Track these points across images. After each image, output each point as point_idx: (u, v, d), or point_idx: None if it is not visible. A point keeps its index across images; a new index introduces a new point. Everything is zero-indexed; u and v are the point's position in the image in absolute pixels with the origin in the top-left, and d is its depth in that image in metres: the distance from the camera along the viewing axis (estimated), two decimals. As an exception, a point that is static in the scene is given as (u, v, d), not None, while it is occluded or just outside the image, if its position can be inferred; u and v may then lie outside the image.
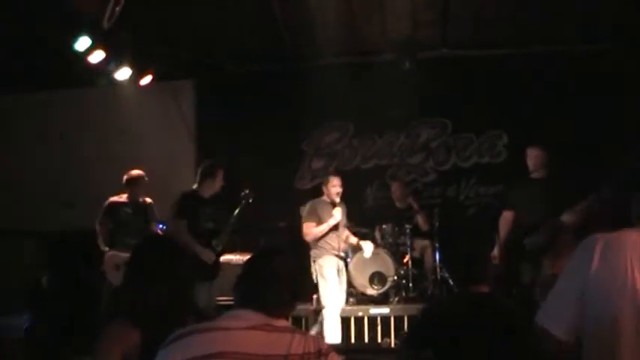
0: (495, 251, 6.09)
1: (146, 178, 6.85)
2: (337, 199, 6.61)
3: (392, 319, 6.67)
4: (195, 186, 6.21)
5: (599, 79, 7.42)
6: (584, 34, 7.48)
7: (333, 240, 6.59)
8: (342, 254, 6.69)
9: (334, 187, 6.61)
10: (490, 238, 6.13)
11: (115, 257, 6.36)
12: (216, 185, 6.18)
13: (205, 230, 6.04)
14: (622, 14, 6.92)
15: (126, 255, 6.20)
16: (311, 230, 6.58)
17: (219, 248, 6.09)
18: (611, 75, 7.30)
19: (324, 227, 6.54)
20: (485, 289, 3.17)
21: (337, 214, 6.52)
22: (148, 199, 6.87)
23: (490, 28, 7.57)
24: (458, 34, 7.82)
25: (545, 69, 7.71)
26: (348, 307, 6.82)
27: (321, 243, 6.58)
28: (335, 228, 6.58)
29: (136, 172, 6.83)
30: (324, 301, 6.45)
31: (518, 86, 7.79)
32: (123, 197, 6.81)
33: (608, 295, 2.02)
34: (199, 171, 6.27)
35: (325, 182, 6.77)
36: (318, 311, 6.64)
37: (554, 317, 2.14)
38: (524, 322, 2.39)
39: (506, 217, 6.21)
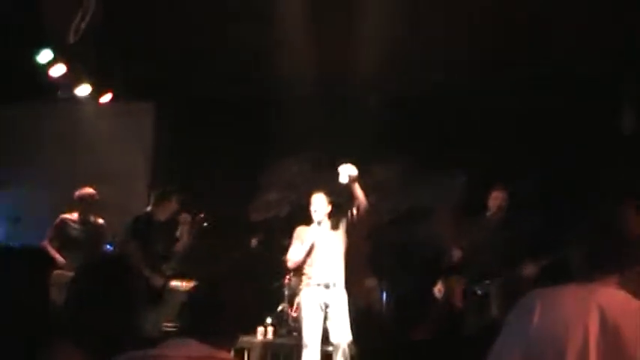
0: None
1: (97, 197, 6.70)
2: (319, 219, 5.97)
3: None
4: (149, 209, 6.14)
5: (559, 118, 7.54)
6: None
7: (314, 267, 5.94)
8: (330, 283, 5.87)
9: (311, 206, 6.03)
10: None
11: (61, 276, 6.21)
12: (170, 209, 6.13)
13: (156, 254, 5.96)
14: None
15: (71, 274, 6.11)
16: (288, 255, 6.06)
17: (169, 273, 6.01)
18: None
19: (298, 249, 5.95)
20: (420, 334, 3.17)
21: (313, 235, 5.93)
22: (100, 220, 6.73)
23: (454, 67, 7.69)
24: (422, 75, 7.91)
25: (505, 109, 7.76)
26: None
27: (303, 272, 6.04)
28: (321, 253, 5.93)
29: (87, 190, 6.69)
30: (304, 339, 5.88)
31: (479, 126, 7.89)
32: (73, 215, 6.67)
33: (549, 350, 1.98)
34: (154, 195, 6.21)
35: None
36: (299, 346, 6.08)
37: None
38: None
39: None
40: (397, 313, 3.40)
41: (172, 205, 6.16)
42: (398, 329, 3.32)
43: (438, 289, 5.84)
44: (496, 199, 6.22)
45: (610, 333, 1.94)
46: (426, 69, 7.75)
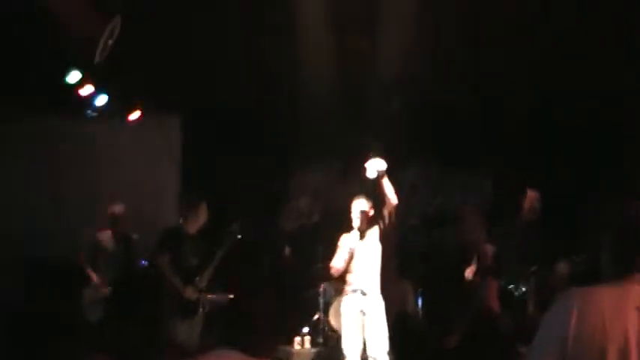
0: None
1: (125, 212, 6.76)
2: (359, 224, 5.84)
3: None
4: (180, 221, 6.18)
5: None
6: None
7: (354, 274, 5.84)
8: (367, 290, 5.76)
9: (352, 212, 5.89)
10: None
11: (94, 293, 6.28)
12: (200, 220, 6.14)
13: (189, 266, 5.98)
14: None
15: (104, 291, 6.18)
16: (331, 263, 5.94)
17: (203, 284, 6.02)
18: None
19: (338, 258, 5.86)
20: (454, 339, 3.13)
21: (352, 242, 5.82)
22: (134, 235, 6.79)
23: (479, 71, 7.65)
24: (446, 78, 7.89)
25: (533, 112, 7.77)
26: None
27: (343, 279, 5.94)
28: (361, 259, 5.83)
29: (118, 206, 6.78)
30: (343, 349, 5.82)
31: (506, 128, 7.84)
32: (107, 232, 6.76)
33: (590, 351, 1.98)
34: (183, 205, 6.24)
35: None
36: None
37: None
38: None
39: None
40: (431, 320, 3.36)
41: (202, 217, 6.18)
42: (433, 336, 3.28)
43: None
44: (530, 199, 6.24)
45: None
46: (453, 73, 7.72)
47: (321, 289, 7.27)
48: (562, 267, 5.68)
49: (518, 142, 7.78)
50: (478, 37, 7.01)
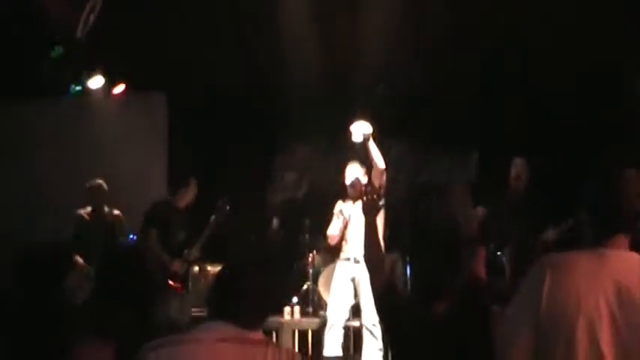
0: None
1: (104, 187, 6.59)
2: (352, 192, 5.86)
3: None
4: (168, 196, 6.19)
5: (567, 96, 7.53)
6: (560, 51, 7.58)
7: (348, 242, 5.91)
8: (359, 258, 5.80)
9: (346, 178, 5.91)
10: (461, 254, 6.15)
11: (80, 274, 6.25)
12: (188, 195, 6.15)
13: (177, 240, 5.99)
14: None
15: (88, 269, 6.12)
16: (327, 231, 6.03)
17: (191, 258, 6.04)
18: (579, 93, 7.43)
19: (334, 226, 5.94)
20: (441, 306, 3.19)
21: (347, 210, 5.88)
22: (116, 211, 6.65)
23: (463, 46, 7.65)
24: (429, 53, 7.87)
25: (519, 86, 7.79)
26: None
27: (336, 247, 6.02)
28: (354, 228, 5.89)
29: (96, 181, 6.59)
30: (327, 314, 6.01)
31: (491, 104, 7.86)
32: (87, 209, 6.60)
33: (561, 320, 1.97)
34: (172, 182, 6.24)
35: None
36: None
37: (513, 344, 2.06)
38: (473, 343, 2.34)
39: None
40: (419, 288, 3.39)
41: (191, 192, 6.18)
42: (421, 304, 3.31)
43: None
44: (516, 166, 6.23)
45: (626, 302, 1.95)
46: (434, 49, 7.71)
47: (310, 259, 7.35)
48: (550, 234, 5.73)
49: (506, 117, 7.80)
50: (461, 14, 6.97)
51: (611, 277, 1.97)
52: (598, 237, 2.09)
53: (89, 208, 6.59)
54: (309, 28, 6.97)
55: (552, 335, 1.97)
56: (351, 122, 7.46)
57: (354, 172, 5.87)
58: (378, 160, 5.68)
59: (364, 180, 5.84)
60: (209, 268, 6.72)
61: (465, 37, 7.23)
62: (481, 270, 3.23)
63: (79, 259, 6.38)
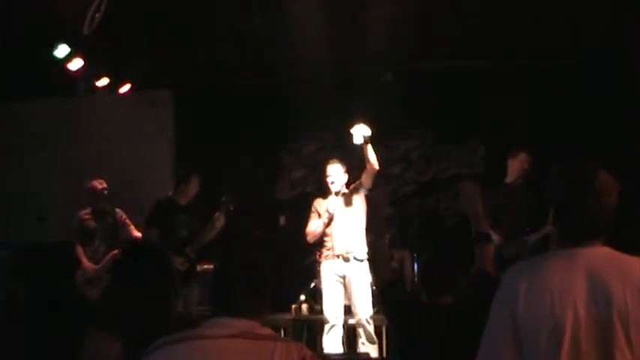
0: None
1: (104, 186, 6.57)
2: (336, 189, 5.92)
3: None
4: (171, 193, 6.18)
5: (576, 92, 7.51)
6: (561, 47, 7.59)
7: (334, 239, 5.87)
8: (348, 255, 5.84)
9: (327, 177, 5.96)
10: (471, 250, 6.13)
11: (87, 272, 6.28)
12: (189, 192, 6.13)
13: (180, 238, 5.95)
14: (598, 30, 7.03)
15: (94, 270, 6.15)
16: (307, 229, 5.99)
17: (194, 255, 6.00)
18: (589, 87, 7.40)
19: (316, 223, 5.93)
20: (448, 300, 3.18)
21: (331, 206, 5.85)
22: (118, 210, 6.62)
23: (469, 40, 7.64)
24: (437, 47, 7.87)
25: (523, 81, 7.78)
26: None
27: (322, 244, 5.98)
28: (340, 224, 5.89)
29: (95, 181, 6.57)
30: (324, 313, 5.98)
31: (495, 98, 7.84)
32: (88, 209, 6.60)
33: (540, 325, 1.94)
34: (175, 178, 6.24)
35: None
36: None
37: (497, 354, 2.00)
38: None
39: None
40: (425, 282, 3.40)
41: (192, 188, 6.15)
42: (427, 297, 3.32)
43: None
44: (520, 160, 6.12)
45: (600, 295, 1.93)
46: (442, 44, 7.69)
47: (318, 257, 7.31)
48: (552, 230, 5.68)
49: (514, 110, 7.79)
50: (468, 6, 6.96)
51: (585, 273, 1.95)
52: (577, 239, 2.05)
53: (89, 208, 6.60)
54: (317, 24, 6.94)
55: (533, 341, 1.94)
56: (358, 119, 7.51)
57: (334, 170, 5.96)
58: (374, 162, 5.83)
59: (345, 178, 5.97)
60: (212, 265, 6.68)
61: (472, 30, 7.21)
62: (490, 266, 3.22)
63: (85, 260, 6.40)
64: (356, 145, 5.78)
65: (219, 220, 5.95)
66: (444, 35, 7.54)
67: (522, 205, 5.94)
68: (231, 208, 5.98)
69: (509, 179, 6.17)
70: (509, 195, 6.07)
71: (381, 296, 3.16)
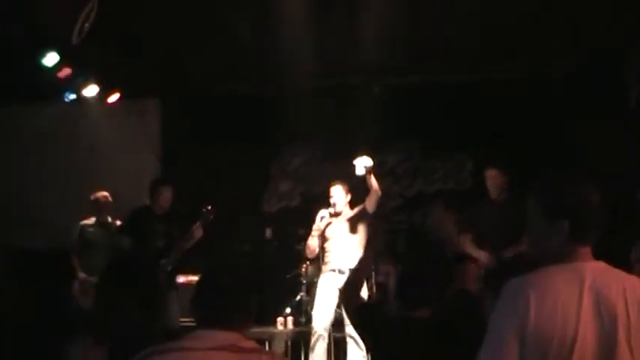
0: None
1: (109, 199, 6.76)
2: (337, 209, 6.21)
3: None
4: (148, 202, 6.16)
5: (560, 103, 7.56)
6: (542, 60, 7.63)
7: (332, 254, 6.15)
8: (345, 269, 6.01)
9: (330, 197, 6.24)
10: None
11: (85, 281, 6.27)
12: (161, 203, 6.08)
13: (154, 248, 5.90)
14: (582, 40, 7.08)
15: (93, 278, 6.13)
16: (307, 244, 6.30)
17: (169, 268, 5.92)
18: (572, 99, 7.46)
19: (314, 239, 6.22)
20: (424, 313, 3.18)
21: (329, 224, 6.17)
22: (118, 222, 6.73)
23: (457, 55, 7.69)
24: (425, 60, 7.91)
25: (510, 95, 7.80)
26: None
27: (322, 259, 6.23)
28: (339, 241, 6.15)
29: (101, 192, 6.76)
30: (313, 324, 6.10)
31: (483, 112, 7.88)
32: (90, 220, 6.73)
33: (550, 339, 1.94)
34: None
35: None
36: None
37: None
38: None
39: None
40: (407, 296, 3.41)
41: (163, 199, 6.09)
42: (404, 310, 3.33)
43: None
44: (491, 177, 6.08)
45: (605, 310, 1.95)
46: (429, 56, 7.73)
47: (303, 270, 7.32)
48: (507, 252, 5.66)
49: (499, 124, 7.83)
50: (457, 18, 7.00)
51: (592, 290, 1.97)
52: (572, 249, 2.07)
53: (92, 219, 6.63)
54: (306, 36, 6.96)
55: (541, 353, 1.94)
56: (347, 132, 7.58)
57: (337, 191, 6.25)
58: (377, 189, 6.08)
59: (347, 198, 6.27)
60: (195, 278, 6.63)
61: (460, 42, 7.25)
62: (471, 285, 3.23)
63: (80, 267, 6.41)
64: (359, 176, 5.99)
65: (198, 231, 5.92)
66: (432, 48, 7.57)
67: (507, 220, 5.93)
68: (211, 219, 5.93)
69: (492, 196, 6.18)
70: (495, 211, 6.08)
71: (356, 318, 3.16)
